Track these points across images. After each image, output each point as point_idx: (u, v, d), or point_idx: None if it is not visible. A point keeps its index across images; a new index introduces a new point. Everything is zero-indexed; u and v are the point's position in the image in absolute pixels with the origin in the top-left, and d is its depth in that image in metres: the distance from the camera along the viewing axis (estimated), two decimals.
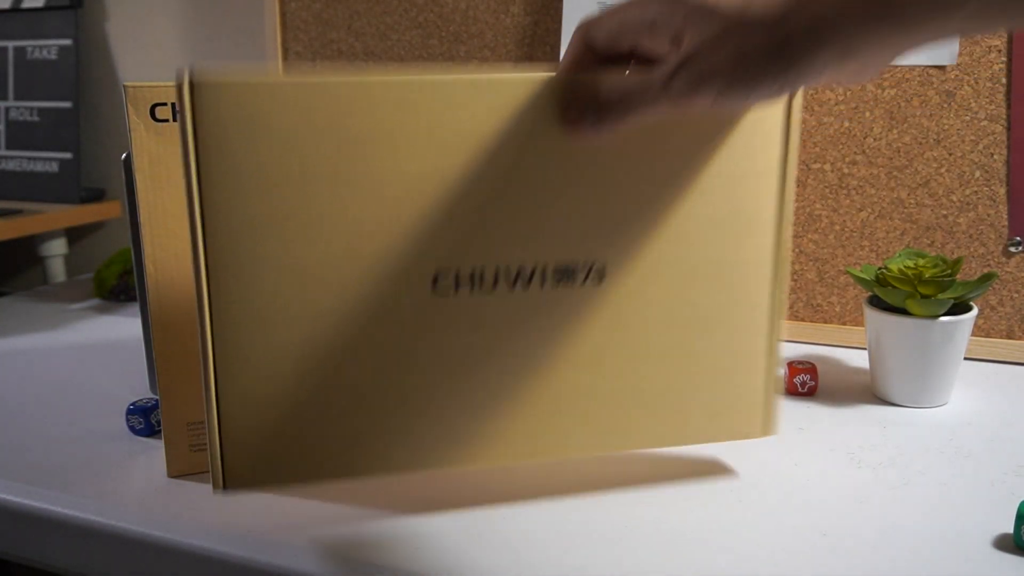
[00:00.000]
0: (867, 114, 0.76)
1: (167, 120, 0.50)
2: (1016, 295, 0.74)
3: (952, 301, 0.61)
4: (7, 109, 1.21)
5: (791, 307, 0.80)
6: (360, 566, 0.43)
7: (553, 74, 0.43)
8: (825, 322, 0.80)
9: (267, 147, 0.41)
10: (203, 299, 0.42)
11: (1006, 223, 0.73)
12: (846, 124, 0.77)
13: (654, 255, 0.47)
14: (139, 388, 0.67)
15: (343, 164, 0.42)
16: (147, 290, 0.51)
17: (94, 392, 0.68)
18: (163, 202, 0.51)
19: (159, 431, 0.58)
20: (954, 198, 0.75)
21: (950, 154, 0.74)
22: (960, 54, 0.73)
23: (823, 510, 0.48)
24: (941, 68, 0.74)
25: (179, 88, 0.39)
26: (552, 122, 0.44)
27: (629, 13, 0.41)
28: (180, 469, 0.53)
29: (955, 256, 0.72)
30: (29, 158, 1.20)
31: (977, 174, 0.74)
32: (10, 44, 1.21)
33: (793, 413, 0.62)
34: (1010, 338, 0.74)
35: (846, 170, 0.78)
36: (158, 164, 0.50)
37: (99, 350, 0.80)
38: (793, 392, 0.66)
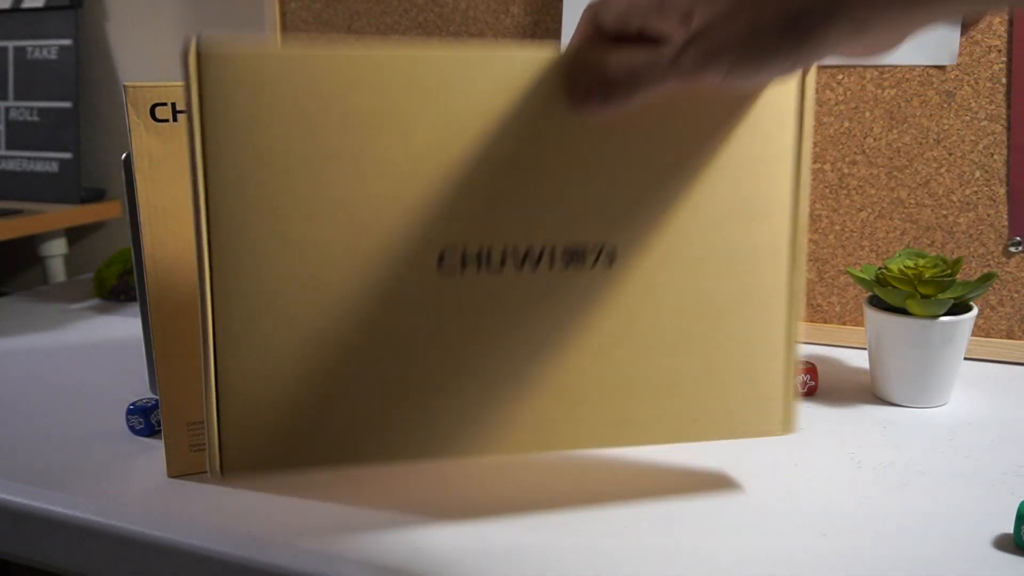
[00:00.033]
0: (867, 114, 0.76)
1: (167, 120, 0.50)
2: (1016, 295, 0.74)
3: (952, 301, 0.61)
4: (7, 109, 1.21)
5: None
6: (360, 566, 0.43)
7: (562, 52, 0.42)
8: (825, 322, 0.80)
9: (273, 119, 0.40)
10: (204, 273, 0.41)
11: (1006, 223, 0.73)
12: (846, 124, 0.77)
13: (665, 239, 0.46)
14: (139, 388, 0.67)
15: (348, 138, 0.41)
16: (147, 290, 0.51)
17: (94, 392, 0.68)
18: (163, 202, 0.51)
19: (159, 431, 0.58)
20: (954, 198, 0.75)
21: (950, 154, 0.74)
22: (960, 54, 0.73)
23: (823, 510, 0.48)
24: (941, 68, 0.74)
25: (185, 58, 0.39)
26: (561, 100, 0.43)
27: None
28: (180, 469, 0.53)
29: (955, 256, 0.72)
30: (29, 158, 1.20)
31: (977, 174, 0.74)
32: (10, 44, 1.21)
33: None
34: (1010, 338, 0.74)
35: (846, 170, 0.78)
36: (158, 164, 0.50)
37: (99, 350, 0.80)
38: None
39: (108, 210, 1.22)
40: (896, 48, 0.40)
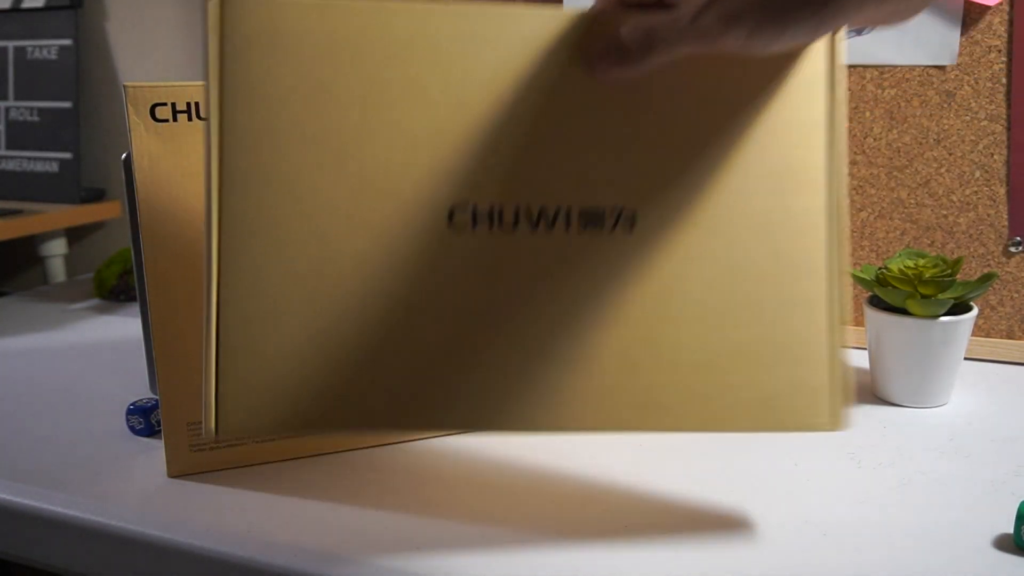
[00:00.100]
0: (867, 114, 0.76)
1: (167, 120, 0.50)
2: (1016, 295, 0.74)
3: (952, 301, 0.61)
4: (7, 109, 1.21)
5: None
6: (360, 566, 0.43)
7: (582, 11, 0.42)
8: None
9: (291, 67, 0.41)
10: (212, 217, 0.41)
11: (1006, 223, 0.73)
12: (846, 124, 0.77)
13: (690, 204, 0.44)
14: (139, 388, 0.67)
15: (364, 89, 0.41)
16: (147, 290, 0.51)
17: (94, 392, 0.68)
18: (163, 202, 0.51)
19: (159, 431, 0.58)
20: (954, 198, 0.75)
21: (950, 154, 0.74)
22: (960, 54, 0.73)
23: (823, 510, 0.48)
24: (941, 68, 0.74)
25: (206, 2, 0.40)
26: (577, 60, 0.42)
27: None
28: (180, 469, 0.53)
29: (955, 256, 0.72)
30: (29, 158, 1.20)
31: (977, 174, 0.74)
32: (10, 44, 1.21)
33: None
34: (1010, 338, 0.74)
35: (846, 170, 0.78)
36: (158, 164, 0.50)
37: (99, 350, 0.80)
38: None
39: (108, 210, 1.22)
40: (919, 13, 0.39)
